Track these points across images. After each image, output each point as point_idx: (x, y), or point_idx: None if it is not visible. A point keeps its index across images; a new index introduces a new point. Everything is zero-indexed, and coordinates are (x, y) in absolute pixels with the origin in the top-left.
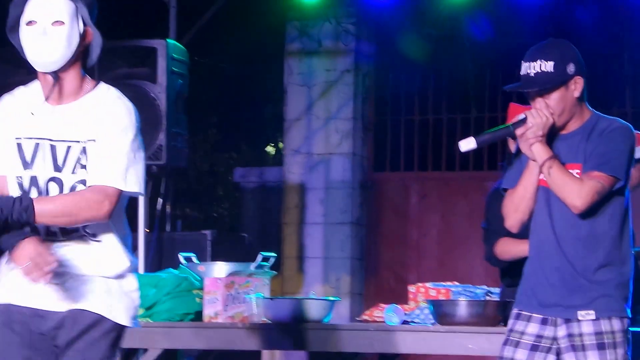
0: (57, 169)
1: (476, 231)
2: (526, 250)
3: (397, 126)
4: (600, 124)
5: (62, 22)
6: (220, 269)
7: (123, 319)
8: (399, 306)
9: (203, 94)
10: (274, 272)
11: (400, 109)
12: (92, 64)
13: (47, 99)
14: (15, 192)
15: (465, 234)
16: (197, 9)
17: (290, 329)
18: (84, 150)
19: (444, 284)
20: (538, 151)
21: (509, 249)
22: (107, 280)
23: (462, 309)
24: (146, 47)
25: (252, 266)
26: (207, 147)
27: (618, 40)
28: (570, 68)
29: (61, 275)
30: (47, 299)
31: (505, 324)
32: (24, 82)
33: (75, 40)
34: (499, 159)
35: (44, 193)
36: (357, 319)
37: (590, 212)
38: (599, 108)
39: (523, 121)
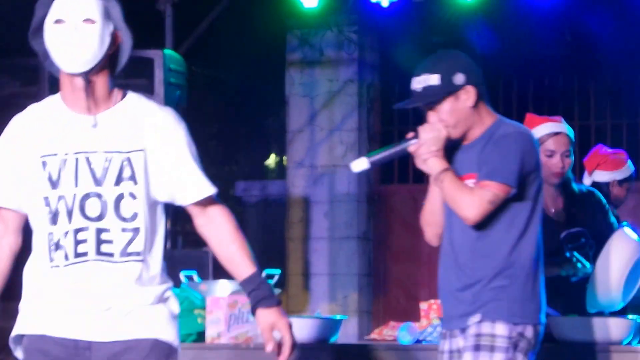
0: (97, 182)
1: None
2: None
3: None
4: (498, 131)
5: (94, 21)
6: (223, 287)
7: (175, 341)
8: (413, 324)
9: (201, 106)
10: (278, 290)
11: (408, 119)
12: (120, 68)
13: (74, 107)
14: (43, 215)
15: None
16: (193, 17)
17: (296, 349)
18: (127, 161)
19: None
20: (432, 166)
21: None
22: (157, 306)
23: None
24: (142, 58)
25: None
26: (206, 160)
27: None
28: (458, 78)
29: (109, 303)
30: (95, 329)
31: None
32: (19, 94)
33: (107, 40)
34: None
35: (77, 210)
36: (366, 338)
37: (484, 222)
38: (622, 119)
39: (416, 137)
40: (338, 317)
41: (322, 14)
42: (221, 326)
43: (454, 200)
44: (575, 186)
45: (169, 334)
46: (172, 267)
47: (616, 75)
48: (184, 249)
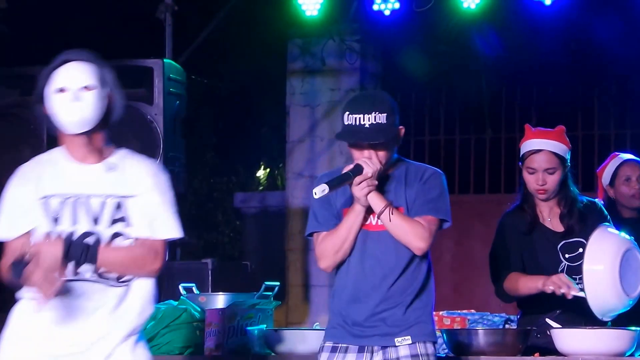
0: (94, 223)
1: None
2: (536, 287)
3: (407, 147)
4: (412, 169)
5: (91, 88)
6: (222, 299)
7: None
8: None
9: (201, 116)
10: (278, 302)
11: (410, 129)
12: (112, 121)
13: (75, 157)
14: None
15: (482, 259)
16: (194, 26)
17: None
18: (119, 205)
19: (458, 312)
20: (374, 199)
21: (518, 286)
22: (130, 337)
23: (479, 338)
24: (141, 67)
25: (255, 296)
26: (205, 171)
27: None
28: (397, 119)
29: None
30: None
31: (526, 354)
32: (17, 104)
33: (104, 103)
34: (517, 180)
35: None
36: None
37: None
38: (626, 129)
39: (359, 169)
40: None
41: (323, 22)
42: (220, 338)
43: (406, 232)
44: (577, 197)
45: None
46: (171, 279)
47: (620, 84)
48: (183, 260)
